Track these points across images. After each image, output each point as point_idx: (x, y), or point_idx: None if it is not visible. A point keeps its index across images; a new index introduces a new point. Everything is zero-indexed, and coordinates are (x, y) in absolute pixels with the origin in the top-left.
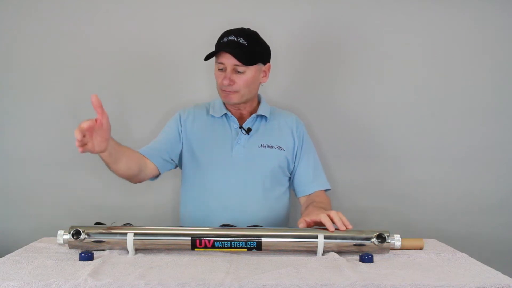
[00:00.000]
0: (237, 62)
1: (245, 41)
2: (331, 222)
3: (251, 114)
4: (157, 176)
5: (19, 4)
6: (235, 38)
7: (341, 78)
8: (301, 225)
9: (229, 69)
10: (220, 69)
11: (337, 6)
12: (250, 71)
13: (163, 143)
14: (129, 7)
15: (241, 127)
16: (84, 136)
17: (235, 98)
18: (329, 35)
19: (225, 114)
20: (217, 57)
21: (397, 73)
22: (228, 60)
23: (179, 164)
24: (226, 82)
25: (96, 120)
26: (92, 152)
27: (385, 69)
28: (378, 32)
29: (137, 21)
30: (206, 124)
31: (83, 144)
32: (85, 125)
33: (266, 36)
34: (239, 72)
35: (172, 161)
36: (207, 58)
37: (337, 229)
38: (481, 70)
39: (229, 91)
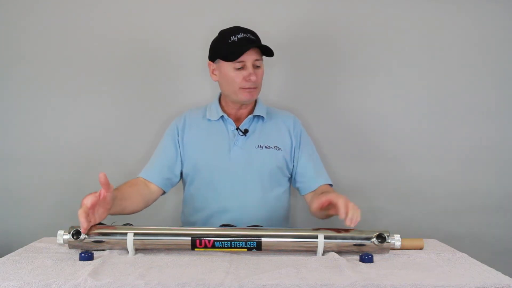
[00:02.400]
0: (257, 57)
1: (253, 36)
2: (345, 210)
3: (248, 115)
4: (164, 193)
5: (19, 3)
6: (245, 34)
7: (339, 77)
8: (316, 202)
9: (250, 65)
10: (239, 68)
11: (334, 3)
12: (263, 64)
13: (162, 161)
14: (129, 7)
15: (237, 128)
16: (88, 215)
17: (256, 94)
18: (327, 33)
19: (222, 116)
20: (235, 58)
21: (396, 72)
22: (250, 57)
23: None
24: (254, 78)
25: (100, 194)
26: (93, 224)
27: (384, 68)
28: (377, 30)
29: (138, 21)
30: (203, 128)
31: (88, 226)
32: (88, 203)
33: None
34: (257, 67)
35: (175, 175)
36: (232, 59)
37: (339, 229)
38: (482, 69)
39: (252, 89)
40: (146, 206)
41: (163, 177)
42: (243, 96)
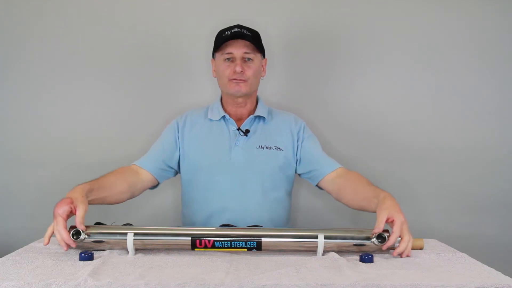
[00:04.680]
0: (247, 50)
1: (248, 32)
2: (395, 238)
3: (249, 115)
4: (156, 186)
5: (19, 3)
6: (239, 30)
7: (340, 77)
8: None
9: (238, 58)
10: (227, 59)
11: (336, 3)
12: (257, 60)
13: (159, 153)
14: (131, 7)
15: (239, 128)
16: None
17: (244, 88)
18: (329, 33)
19: (223, 116)
20: (223, 49)
21: (396, 72)
22: (238, 49)
23: (179, 169)
24: (239, 69)
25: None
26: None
27: (385, 68)
28: (379, 31)
29: (140, 20)
30: (204, 128)
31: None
32: (64, 215)
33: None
34: (247, 60)
35: (170, 169)
36: (216, 49)
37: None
38: (482, 69)
39: (239, 81)
40: (132, 195)
41: (157, 167)
42: (232, 88)
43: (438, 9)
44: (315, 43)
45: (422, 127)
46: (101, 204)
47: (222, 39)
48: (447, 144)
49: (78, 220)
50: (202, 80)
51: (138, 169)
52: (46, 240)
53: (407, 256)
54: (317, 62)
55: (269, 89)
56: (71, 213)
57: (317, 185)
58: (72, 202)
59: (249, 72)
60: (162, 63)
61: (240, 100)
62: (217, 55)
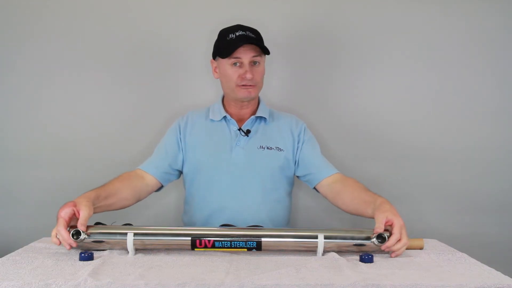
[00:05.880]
0: (254, 53)
1: (252, 33)
2: (394, 240)
3: (251, 116)
4: (161, 188)
5: (19, 3)
6: (244, 32)
7: (340, 76)
8: (377, 220)
9: (247, 63)
10: (234, 64)
11: (336, 2)
12: (263, 62)
13: (163, 156)
14: (133, 6)
15: (240, 129)
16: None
17: (254, 93)
18: (328, 32)
19: (224, 117)
20: (230, 54)
21: (397, 72)
22: (246, 55)
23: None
24: (249, 76)
25: (75, 212)
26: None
27: (385, 68)
28: (379, 30)
29: (142, 19)
30: (206, 128)
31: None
32: (66, 217)
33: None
34: (254, 64)
35: (174, 171)
36: (226, 55)
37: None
38: (482, 69)
39: (248, 86)
40: (138, 200)
41: (162, 171)
42: (241, 93)
43: (438, 8)
44: (315, 43)
45: (422, 127)
46: (107, 211)
47: (229, 44)
48: (447, 144)
49: (80, 221)
50: (202, 80)
51: (143, 173)
52: (56, 241)
53: (397, 255)
54: (317, 63)
55: (269, 90)
56: (75, 216)
57: (314, 188)
58: (75, 205)
59: (257, 77)
60: (162, 63)
61: (246, 102)
62: (223, 60)
